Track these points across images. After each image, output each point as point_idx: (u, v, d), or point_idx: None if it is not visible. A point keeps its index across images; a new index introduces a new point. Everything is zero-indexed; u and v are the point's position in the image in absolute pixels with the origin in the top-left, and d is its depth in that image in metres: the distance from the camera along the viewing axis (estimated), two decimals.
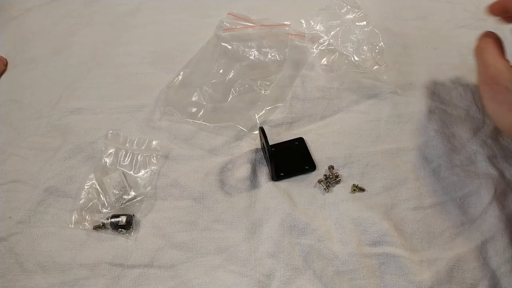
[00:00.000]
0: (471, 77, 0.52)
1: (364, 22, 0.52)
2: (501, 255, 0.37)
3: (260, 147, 0.44)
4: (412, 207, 0.40)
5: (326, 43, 0.52)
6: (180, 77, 0.51)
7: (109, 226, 0.39)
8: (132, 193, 0.42)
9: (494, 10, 0.36)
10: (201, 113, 0.47)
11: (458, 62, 0.53)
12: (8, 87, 0.53)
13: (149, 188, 0.42)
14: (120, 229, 0.39)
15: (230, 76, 0.50)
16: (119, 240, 0.39)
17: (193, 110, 0.47)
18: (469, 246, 0.38)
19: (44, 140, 0.47)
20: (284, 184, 0.42)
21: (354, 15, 0.53)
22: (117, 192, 0.42)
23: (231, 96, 0.48)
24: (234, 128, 0.46)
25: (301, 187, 0.42)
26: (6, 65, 0.55)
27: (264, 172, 0.43)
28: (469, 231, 0.39)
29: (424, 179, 0.42)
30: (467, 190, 0.41)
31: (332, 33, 0.53)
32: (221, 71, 0.51)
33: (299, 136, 0.45)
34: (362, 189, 0.41)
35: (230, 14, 0.56)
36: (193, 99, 0.48)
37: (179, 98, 0.49)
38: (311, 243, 0.38)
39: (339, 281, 0.36)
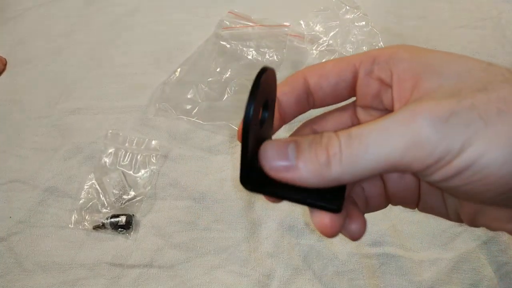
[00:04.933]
0: None
1: (363, 22, 0.52)
2: (502, 256, 0.37)
3: None
4: None
5: (325, 44, 0.52)
6: (177, 74, 0.51)
7: (109, 226, 0.39)
8: (132, 193, 0.42)
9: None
10: (195, 110, 0.47)
11: None
12: (7, 87, 0.53)
13: (149, 188, 0.42)
14: (119, 229, 0.39)
15: (227, 75, 0.50)
16: (118, 240, 0.39)
17: (187, 107, 0.47)
18: (470, 246, 0.38)
19: (44, 140, 0.46)
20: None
21: (353, 15, 0.53)
22: (116, 192, 0.41)
23: (226, 95, 0.48)
24: (228, 127, 0.46)
25: None
26: (5, 65, 0.55)
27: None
28: (469, 232, 0.39)
29: None
30: None
31: (331, 33, 0.53)
32: (218, 69, 0.51)
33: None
34: None
35: (231, 12, 0.56)
36: (189, 96, 0.48)
37: (175, 95, 0.49)
38: (310, 243, 0.38)
39: (339, 281, 0.36)
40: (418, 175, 0.18)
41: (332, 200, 0.19)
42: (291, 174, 0.18)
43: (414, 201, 0.23)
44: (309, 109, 0.23)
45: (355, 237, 0.20)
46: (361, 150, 0.17)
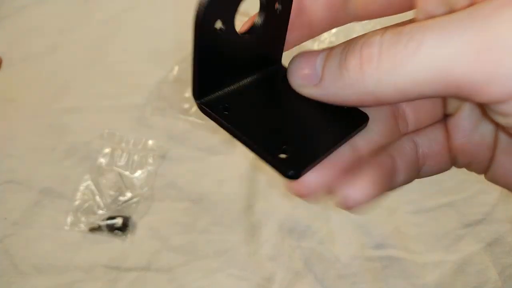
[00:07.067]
0: None
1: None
2: (506, 258, 0.37)
3: None
4: (415, 209, 0.40)
5: (327, 41, 0.52)
6: (174, 72, 0.50)
7: (105, 228, 0.39)
8: (129, 194, 0.41)
9: None
10: (193, 109, 0.47)
11: None
12: (2, 86, 0.52)
13: (146, 189, 0.41)
14: (116, 231, 0.39)
15: None
16: (115, 243, 0.39)
17: (185, 106, 0.47)
18: (474, 248, 0.37)
19: (39, 140, 0.46)
20: (284, 185, 0.41)
21: None
22: (113, 193, 0.41)
23: None
24: None
25: None
26: (0, 63, 0.55)
27: (264, 171, 0.42)
28: (473, 234, 0.38)
29: (427, 180, 0.41)
30: (472, 192, 0.40)
31: (333, 30, 0.52)
32: None
33: None
34: None
35: None
36: (186, 95, 0.48)
37: (172, 93, 0.48)
38: (312, 246, 0.38)
39: (341, 284, 0.36)
40: (493, 113, 0.12)
41: (299, 157, 0.13)
42: (317, 89, 0.14)
43: (485, 162, 0.17)
44: (348, 20, 0.17)
45: (348, 205, 0.14)
46: (408, 52, 0.11)
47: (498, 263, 0.36)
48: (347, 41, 0.14)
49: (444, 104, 0.17)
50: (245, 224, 0.39)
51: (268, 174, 0.42)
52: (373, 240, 0.38)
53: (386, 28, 0.13)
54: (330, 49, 0.14)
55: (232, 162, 0.43)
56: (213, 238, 0.38)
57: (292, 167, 0.13)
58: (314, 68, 0.14)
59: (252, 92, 0.16)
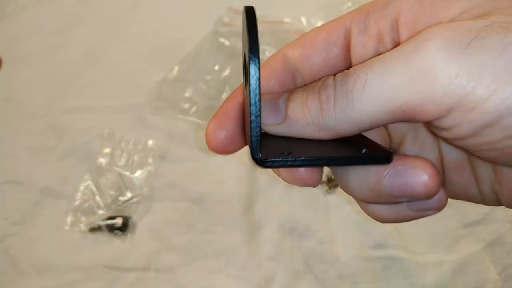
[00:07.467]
0: None
1: None
2: (506, 258, 0.37)
3: None
4: None
5: None
6: (174, 72, 0.50)
7: (105, 228, 0.39)
8: (129, 194, 0.41)
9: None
10: (193, 109, 0.47)
11: None
12: (2, 86, 0.52)
13: (146, 189, 0.41)
14: (116, 231, 0.39)
15: (226, 73, 0.50)
16: (115, 243, 0.39)
17: (185, 106, 0.47)
18: (474, 248, 0.37)
19: (39, 140, 0.46)
20: (284, 185, 0.41)
21: None
22: (113, 193, 0.41)
23: (225, 94, 0.48)
24: None
25: (302, 188, 0.41)
26: (0, 63, 0.55)
27: (263, 171, 0.42)
28: (473, 234, 0.38)
29: None
30: None
31: None
32: (217, 67, 0.50)
33: None
34: None
35: (230, 9, 0.55)
36: (186, 95, 0.48)
37: (172, 93, 0.48)
38: (312, 246, 0.38)
39: (341, 285, 0.36)
40: (437, 129, 0.13)
41: (376, 152, 0.15)
42: (281, 127, 0.16)
43: None
44: None
45: (441, 205, 0.16)
46: (357, 90, 0.13)
47: (498, 263, 0.36)
48: (307, 85, 0.16)
49: (390, 140, 0.19)
50: (245, 224, 0.39)
51: (268, 174, 0.42)
52: (373, 240, 0.38)
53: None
54: (291, 92, 0.16)
55: (232, 162, 0.43)
56: (213, 238, 0.38)
57: (383, 154, 0.14)
58: (278, 109, 0.16)
59: (280, 139, 0.17)
